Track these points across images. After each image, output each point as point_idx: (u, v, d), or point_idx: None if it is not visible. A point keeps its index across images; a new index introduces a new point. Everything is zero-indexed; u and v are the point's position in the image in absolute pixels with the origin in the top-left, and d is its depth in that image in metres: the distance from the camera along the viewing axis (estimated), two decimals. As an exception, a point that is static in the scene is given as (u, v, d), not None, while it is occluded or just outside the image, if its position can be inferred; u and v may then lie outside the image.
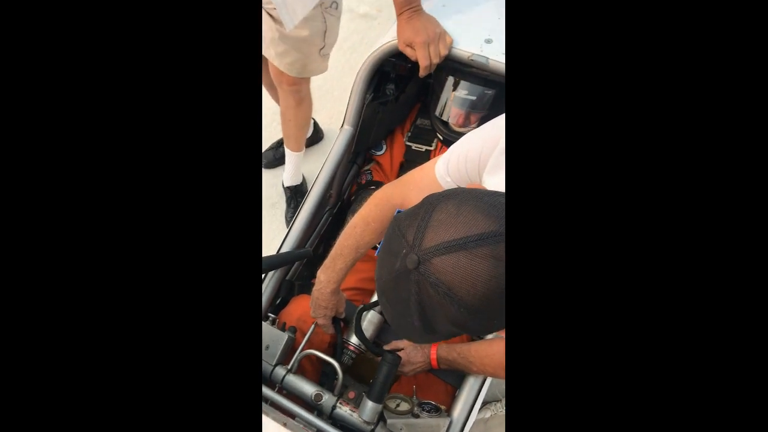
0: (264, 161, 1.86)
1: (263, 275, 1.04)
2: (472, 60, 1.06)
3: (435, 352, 0.95)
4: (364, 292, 1.12)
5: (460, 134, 1.19)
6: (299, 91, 1.40)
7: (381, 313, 1.02)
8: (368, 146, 1.33)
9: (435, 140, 1.27)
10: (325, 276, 0.90)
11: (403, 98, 1.28)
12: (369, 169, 1.32)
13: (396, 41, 1.09)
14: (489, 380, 0.95)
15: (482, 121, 1.15)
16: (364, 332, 0.97)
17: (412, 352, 0.95)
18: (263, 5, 1.15)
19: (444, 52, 1.07)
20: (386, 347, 0.97)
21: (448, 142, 1.23)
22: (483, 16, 1.11)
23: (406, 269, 0.49)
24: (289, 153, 1.67)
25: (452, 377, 1.00)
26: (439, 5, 1.13)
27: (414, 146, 1.29)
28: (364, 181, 1.31)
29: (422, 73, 1.09)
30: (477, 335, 0.94)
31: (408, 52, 1.08)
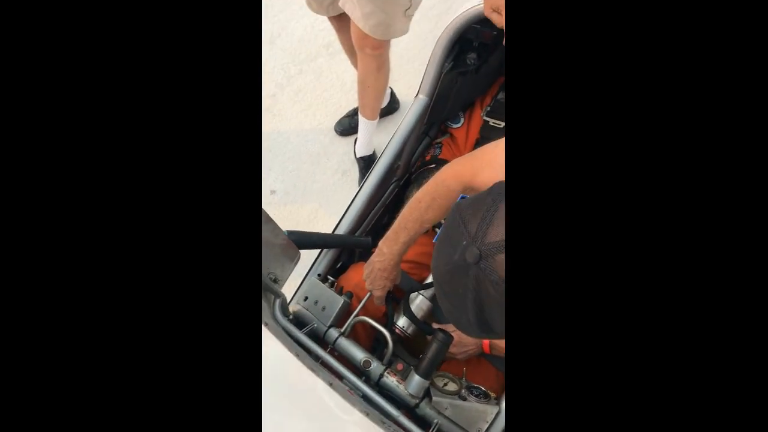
0: (339, 128, 1.89)
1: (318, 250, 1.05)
2: None
3: None
4: (422, 266, 1.10)
5: (543, 111, 1.10)
6: (381, 56, 1.38)
7: (430, 299, 1.00)
8: (442, 118, 1.28)
9: (515, 116, 1.19)
10: (388, 248, 0.89)
11: (484, 69, 1.21)
12: (440, 143, 1.27)
13: (482, 6, 1.02)
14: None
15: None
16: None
17: (464, 334, 0.92)
18: None
19: None
20: (437, 326, 0.95)
21: (529, 119, 1.14)
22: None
23: (464, 262, 0.46)
24: (363, 121, 1.66)
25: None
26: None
27: (491, 121, 1.22)
28: (429, 158, 1.26)
29: (508, 41, 1.01)
30: None
31: (494, 18, 1.01)
